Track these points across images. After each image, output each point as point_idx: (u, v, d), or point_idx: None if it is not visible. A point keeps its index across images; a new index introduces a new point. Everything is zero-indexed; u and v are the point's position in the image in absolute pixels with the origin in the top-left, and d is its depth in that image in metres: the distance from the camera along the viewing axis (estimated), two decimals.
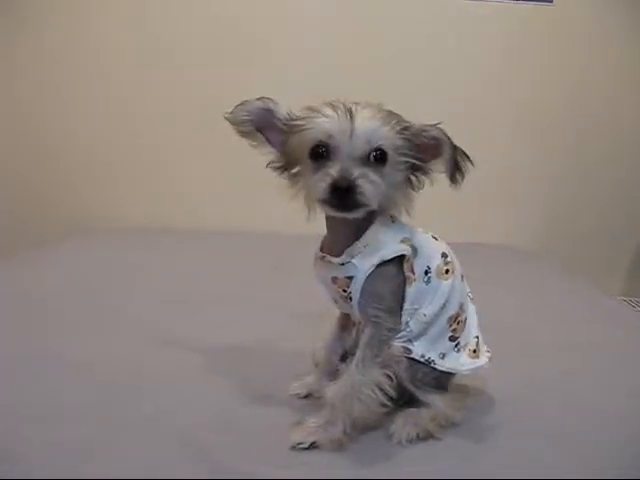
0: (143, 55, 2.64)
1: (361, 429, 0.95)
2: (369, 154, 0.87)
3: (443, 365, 0.99)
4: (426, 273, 0.97)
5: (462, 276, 1.05)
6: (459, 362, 1.01)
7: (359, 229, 0.95)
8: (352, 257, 0.94)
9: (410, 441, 0.95)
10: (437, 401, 0.99)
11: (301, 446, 0.92)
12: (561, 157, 2.68)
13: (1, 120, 2.75)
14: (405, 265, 0.95)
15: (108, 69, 2.67)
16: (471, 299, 1.07)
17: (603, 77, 2.60)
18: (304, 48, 2.59)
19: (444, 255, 1.00)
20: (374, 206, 0.89)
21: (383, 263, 0.93)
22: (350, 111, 0.87)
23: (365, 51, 2.57)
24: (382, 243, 0.94)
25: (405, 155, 0.90)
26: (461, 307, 1.02)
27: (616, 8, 2.52)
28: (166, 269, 2.01)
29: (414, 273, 0.96)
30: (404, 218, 0.99)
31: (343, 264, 0.94)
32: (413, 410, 0.99)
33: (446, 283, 0.99)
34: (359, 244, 0.94)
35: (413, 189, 0.95)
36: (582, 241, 2.73)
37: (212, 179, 2.68)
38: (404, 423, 0.97)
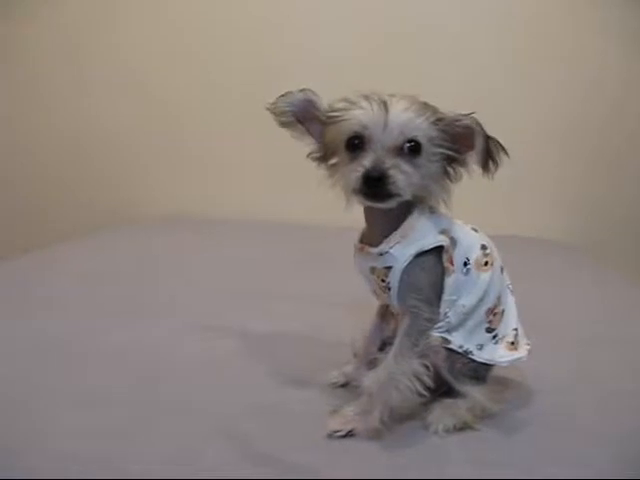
0: (172, 46, 2.71)
1: (398, 419, 0.95)
2: (403, 145, 0.88)
3: (481, 356, 0.99)
4: (465, 265, 0.97)
5: (502, 268, 1.04)
6: (497, 354, 1.01)
7: (397, 220, 0.95)
8: (390, 247, 0.94)
9: (447, 432, 0.95)
10: (475, 392, 0.99)
11: (338, 434, 0.93)
12: (590, 149, 2.62)
13: (32, 114, 2.85)
14: (444, 256, 0.95)
15: (136, 59, 2.74)
16: (511, 291, 1.07)
17: (628, 66, 2.53)
18: (329, 42, 2.60)
19: (483, 247, 1.00)
20: (407, 196, 0.90)
21: (422, 253, 0.93)
22: (384, 103, 0.89)
23: (389, 37, 2.58)
24: (421, 234, 0.94)
25: (440, 146, 0.91)
26: (499, 299, 1.01)
27: None
28: (202, 259, 2.05)
29: (453, 264, 0.96)
30: (443, 209, 0.98)
31: (381, 254, 0.95)
32: (450, 401, 0.99)
33: (485, 275, 0.99)
34: (397, 234, 0.95)
35: (450, 180, 0.95)
36: (616, 235, 2.66)
37: (249, 169, 2.72)
38: (441, 413, 0.97)
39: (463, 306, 0.97)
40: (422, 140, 0.89)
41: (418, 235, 0.94)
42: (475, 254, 0.98)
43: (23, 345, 1.26)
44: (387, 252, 0.94)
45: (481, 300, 0.98)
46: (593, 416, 1.03)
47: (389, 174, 0.86)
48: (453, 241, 0.96)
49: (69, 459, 0.86)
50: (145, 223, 2.61)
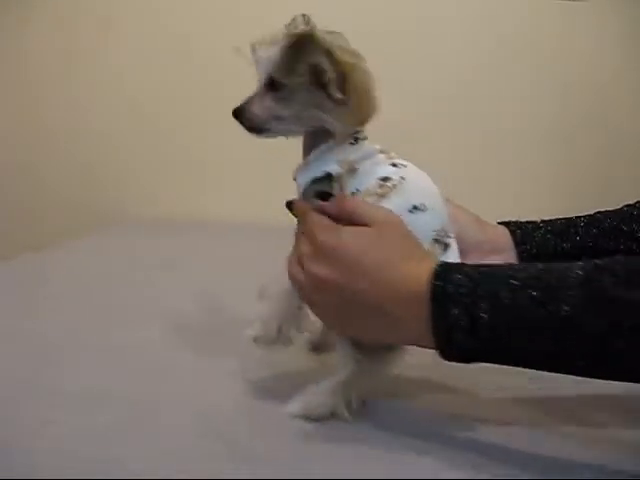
0: (161, 48, 2.64)
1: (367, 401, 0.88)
2: (265, 82, 0.89)
3: None
4: (352, 195, 0.90)
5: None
6: None
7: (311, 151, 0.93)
8: (297, 174, 0.92)
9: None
10: None
11: (304, 418, 0.85)
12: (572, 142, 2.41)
13: (22, 116, 2.83)
14: (335, 185, 0.89)
15: (127, 61, 2.70)
16: None
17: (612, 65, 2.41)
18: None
19: (384, 179, 0.89)
20: (271, 128, 0.91)
21: (315, 182, 0.89)
22: (254, 46, 0.91)
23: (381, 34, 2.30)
24: (319, 162, 0.90)
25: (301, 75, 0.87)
26: None
27: None
28: (193, 260, 2.00)
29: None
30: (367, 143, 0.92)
31: (294, 179, 0.94)
32: None
33: None
34: (302, 163, 0.92)
35: (337, 103, 0.87)
36: None
37: (241, 170, 2.59)
38: None
39: None
40: (278, 75, 0.87)
41: (315, 164, 0.91)
42: (368, 184, 0.89)
43: (19, 345, 1.23)
44: (294, 178, 0.93)
45: None
46: (589, 415, 0.94)
47: (243, 108, 0.90)
48: (353, 171, 0.89)
49: (68, 458, 0.88)
50: (135, 225, 2.58)
